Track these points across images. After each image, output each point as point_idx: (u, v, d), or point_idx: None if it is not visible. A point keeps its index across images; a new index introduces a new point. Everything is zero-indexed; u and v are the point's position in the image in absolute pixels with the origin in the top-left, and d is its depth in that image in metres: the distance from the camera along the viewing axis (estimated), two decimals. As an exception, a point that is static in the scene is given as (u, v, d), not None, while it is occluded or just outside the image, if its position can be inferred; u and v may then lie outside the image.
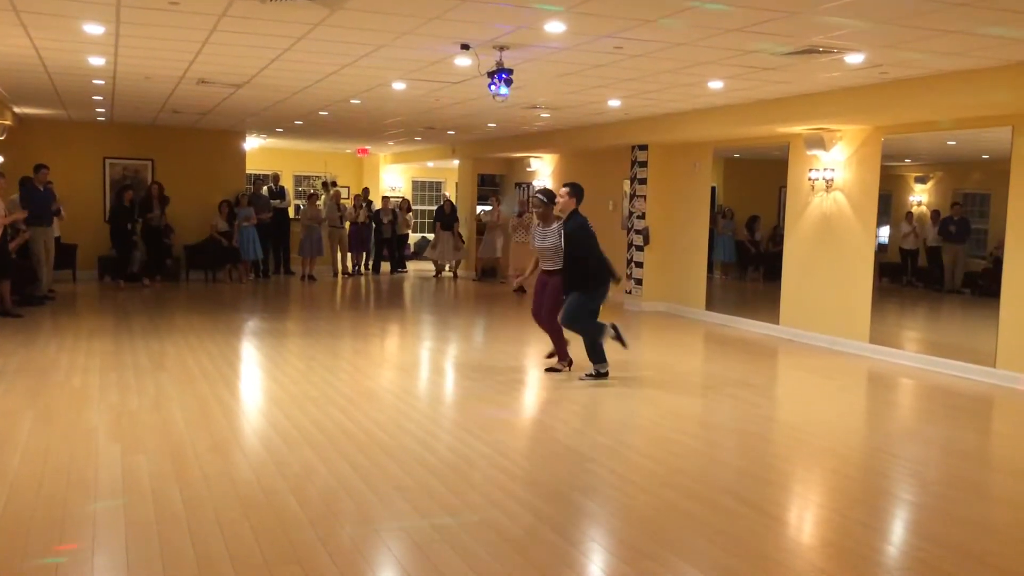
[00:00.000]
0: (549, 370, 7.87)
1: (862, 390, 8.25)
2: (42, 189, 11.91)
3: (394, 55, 7.63)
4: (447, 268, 18.03)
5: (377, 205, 18.61)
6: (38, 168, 11.97)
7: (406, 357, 9.22)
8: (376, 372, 8.18)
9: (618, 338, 7.56)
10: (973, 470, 5.60)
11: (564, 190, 7.53)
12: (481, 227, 17.77)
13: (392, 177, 22.61)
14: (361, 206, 17.52)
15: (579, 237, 7.33)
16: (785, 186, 10.83)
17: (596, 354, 7.50)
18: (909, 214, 10.37)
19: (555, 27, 6.33)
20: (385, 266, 18.65)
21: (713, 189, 12.32)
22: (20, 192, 11.65)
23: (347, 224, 17.17)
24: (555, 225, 7.63)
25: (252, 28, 6.73)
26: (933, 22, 5.78)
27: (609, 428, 6.12)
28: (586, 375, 7.53)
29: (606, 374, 7.54)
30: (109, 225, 14.42)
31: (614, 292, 13.72)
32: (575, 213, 7.44)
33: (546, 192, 7.85)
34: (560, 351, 7.86)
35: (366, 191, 18.84)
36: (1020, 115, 7.92)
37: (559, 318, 7.50)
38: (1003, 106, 7.68)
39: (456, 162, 19.23)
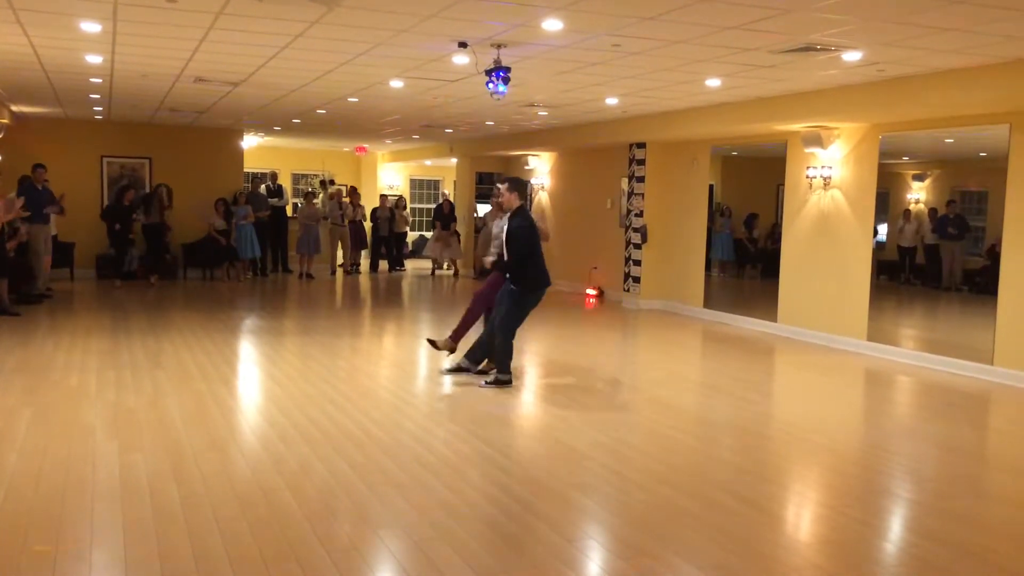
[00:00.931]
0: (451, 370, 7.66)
1: (859, 387, 8.25)
2: (40, 188, 11.92)
3: (391, 53, 7.63)
4: (445, 266, 18.04)
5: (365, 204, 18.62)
6: (36, 167, 11.99)
7: (404, 355, 9.22)
8: (374, 370, 8.18)
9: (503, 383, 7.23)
10: (970, 467, 5.62)
11: (504, 186, 7.24)
12: (479, 225, 17.77)
13: (390, 175, 22.60)
14: (358, 205, 17.58)
15: (518, 235, 7.02)
16: (783, 184, 10.83)
17: (504, 364, 7.21)
18: (907, 211, 10.38)
19: (553, 24, 6.33)
20: (383, 264, 18.66)
21: (711, 187, 12.32)
22: (18, 190, 11.65)
23: (347, 222, 17.20)
24: (507, 215, 7.39)
25: (249, 26, 6.73)
26: (930, 20, 5.78)
27: (606, 425, 6.12)
28: (486, 383, 7.23)
29: (508, 382, 7.20)
30: (105, 223, 14.39)
31: (611, 291, 13.83)
32: (520, 209, 7.15)
33: (503, 180, 7.74)
34: (457, 333, 7.68)
35: (353, 189, 18.78)
36: (1017, 113, 7.93)
37: (496, 322, 7.25)
38: (1000, 104, 7.69)
39: (454, 160, 19.23)
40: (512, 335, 7.23)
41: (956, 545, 4.09)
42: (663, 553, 3.88)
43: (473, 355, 7.56)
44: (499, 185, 7.57)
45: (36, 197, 11.69)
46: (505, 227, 7.25)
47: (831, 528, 4.36)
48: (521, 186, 7.28)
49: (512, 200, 7.17)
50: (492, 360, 7.43)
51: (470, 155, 17.89)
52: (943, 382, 8.09)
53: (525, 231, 7.05)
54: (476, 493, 4.58)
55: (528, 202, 16.45)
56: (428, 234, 19.38)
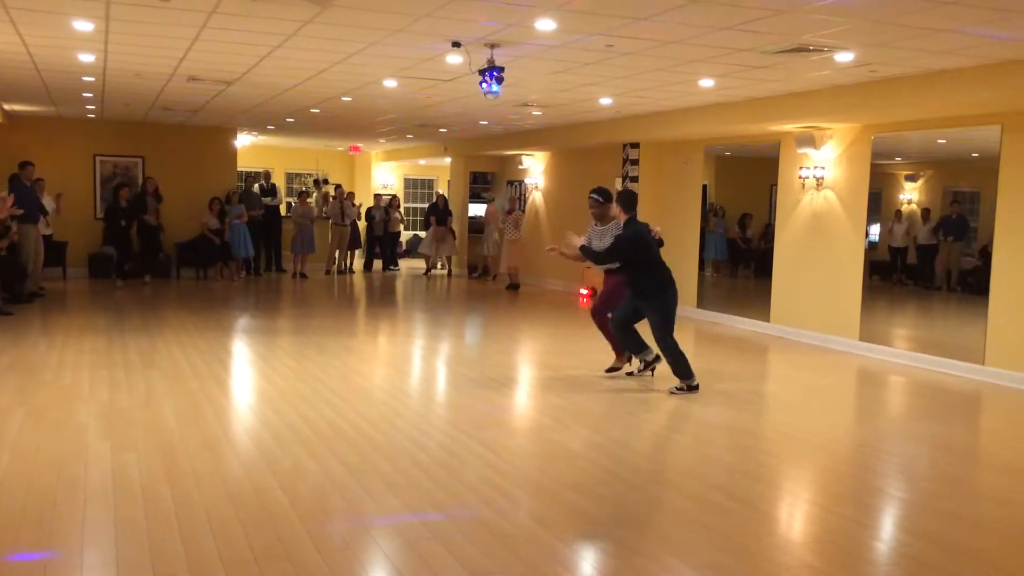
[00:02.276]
0: (610, 370, 7.79)
1: (852, 387, 8.28)
2: (29, 186, 11.86)
3: (385, 52, 7.63)
4: (439, 265, 18.02)
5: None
6: (24, 165, 11.92)
7: (398, 355, 9.22)
8: (368, 370, 8.17)
9: (647, 367, 7.68)
10: (962, 466, 5.64)
11: (614, 201, 7.46)
12: (474, 224, 17.77)
13: (384, 175, 22.58)
14: (354, 204, 17.58)
15: (623, 243, 7.13)
16: (776, 184, 10.86)
17: (681, 369, 7.24)
18: (898, 212, 10.41)
19: (546, 25, 6.33)
20: (377, 264, 18.65)
21: (704, 187, 12.34)
22: (9, 188, 11.60)
23: (348, 221, 17.22)
24: (611, 225, 7.52)
25: (242, 25, 6.72)
26: (922, 21, 5.81)
27: (600, 425, 6.13)
28: (675, 388, 7.23)
29: (696, 387, 7.21)
30: (104, 223, 14.34)
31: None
32: (630, 220, 7.23)
33: (601, 191, 7.72)
34: (615, 348, 7.80)
35: (340, 187, 18.68)
36: (1008, 113, 7.97)
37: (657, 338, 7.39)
38: (992, 104, 7.72)
39: (448, 160, 19.21)
40: (671, 343, 7.25)
41: (948, 544, 4.11)
42: (655, 552, 3.89)
43: (636, 348, 7.60)
44: (595, 196, 7.69)
45: (26, 195, 11.64)
46: (607, 232, 7.46)
47: (824, 527, 4.37)
48: (625, 200, 7.32)
49: (621, 213, 7.30)
50: (634, 351, 7.59)
51: (464, 154, 17.88)
52: (935, 382, 8.12)
53: (630, 239, 7.11)
54: (470, 493, 4.58)
55: (522, 203, 16.58)
56: (422, 233, 19.31)
